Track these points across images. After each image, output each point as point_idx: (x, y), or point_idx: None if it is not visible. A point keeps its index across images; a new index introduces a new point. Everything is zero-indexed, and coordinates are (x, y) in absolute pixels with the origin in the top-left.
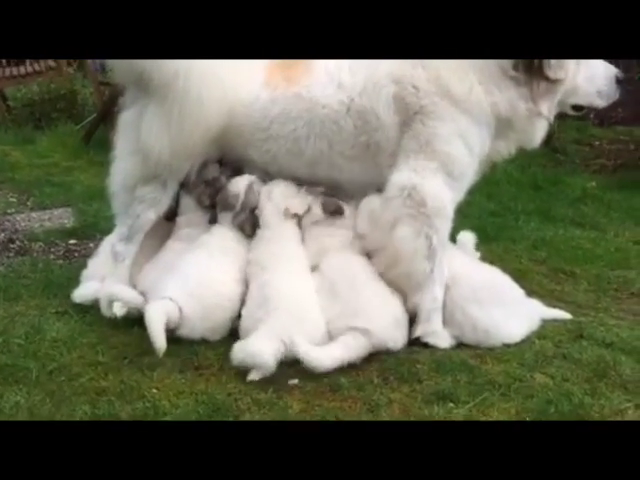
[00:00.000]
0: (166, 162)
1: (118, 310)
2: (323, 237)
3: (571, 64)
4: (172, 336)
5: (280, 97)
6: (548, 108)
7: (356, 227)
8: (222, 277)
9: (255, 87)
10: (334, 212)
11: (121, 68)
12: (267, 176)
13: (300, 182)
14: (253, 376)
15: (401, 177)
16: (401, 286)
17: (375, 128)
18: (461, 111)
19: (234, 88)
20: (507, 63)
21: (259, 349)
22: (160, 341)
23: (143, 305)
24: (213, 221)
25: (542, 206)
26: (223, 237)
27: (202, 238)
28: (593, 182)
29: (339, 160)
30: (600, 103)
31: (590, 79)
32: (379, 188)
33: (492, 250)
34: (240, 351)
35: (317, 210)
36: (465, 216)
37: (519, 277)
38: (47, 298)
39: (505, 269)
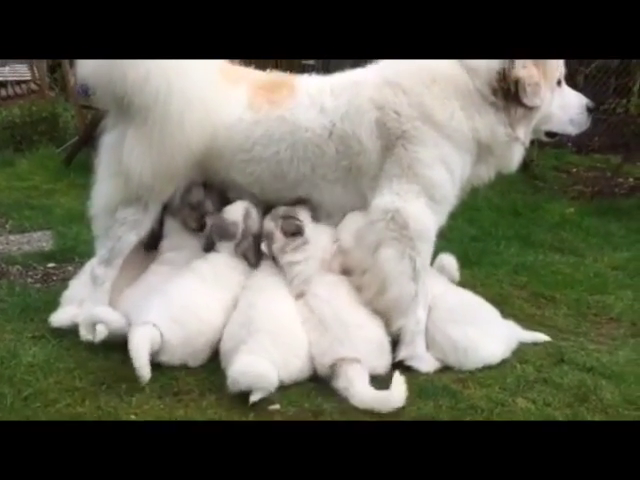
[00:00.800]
0: (148, 184)
1: (100, 333)
2: (299, 266)
3: (547, 93)
4: (152, 361)
5: (263, 119)
6: (524, 133)
7: (340, 242)
8: (210, 304)
9: (238, 109)
10: (294, 234)
11: (102, 90)
12: (251, 198)
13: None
14: (255, 397)
15: (384, 200)
16: (387, 310)
17: (357, 152)
18: (443, 136)
19: (216, 110)
20: (487, 89)
21: (265, 369)
22: (145, 371)
23: (126, 327)
24: (208, 250)
25: (522, 231)
26: (218, 264)
27: (194, 263)
28: (571, 208)
29: (321, 183)
30: (572, 130)
31: (563, 107)
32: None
33: (474, 275)
34: (243, 375)
35: (278, 235)
36: (447, 241)
37: (500, 302)
38: (24, 322)
39: (487, 293)
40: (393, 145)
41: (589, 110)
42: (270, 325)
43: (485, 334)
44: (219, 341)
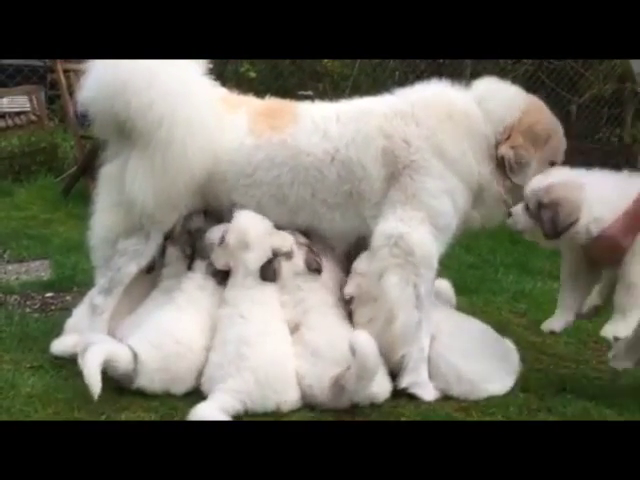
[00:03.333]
0: (150, 212)
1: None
2: (304, 292)
3: (537, 171)
4: (153, 392)
5: (265, 144)
6: (510, 198)
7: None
8: (185, 326)
9: (239, 135)
10: (314, 270)
11: (103, 116)
12: None
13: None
14: None
15: (388, 226)
16: (394, 339)
17: (360, 178)
18: (453, 171)
19: (218, 136)
20: (493, 140)
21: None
22: (95, 383)
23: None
24: (189, 269)
25: (520, 259)
26: (190, 286)
27: (173, 289)
28: None
29: (321, 208)
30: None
31: None
32: (358, 238)
33: (473, 302)
34: (194, 415)
35: (299, 262)
36: (445, 268)
37: (500, 329)
38: (22, 352)
39: (486, 321)
40: (399, 174)
41: None
42: (260, 364)
43: (495, 366)
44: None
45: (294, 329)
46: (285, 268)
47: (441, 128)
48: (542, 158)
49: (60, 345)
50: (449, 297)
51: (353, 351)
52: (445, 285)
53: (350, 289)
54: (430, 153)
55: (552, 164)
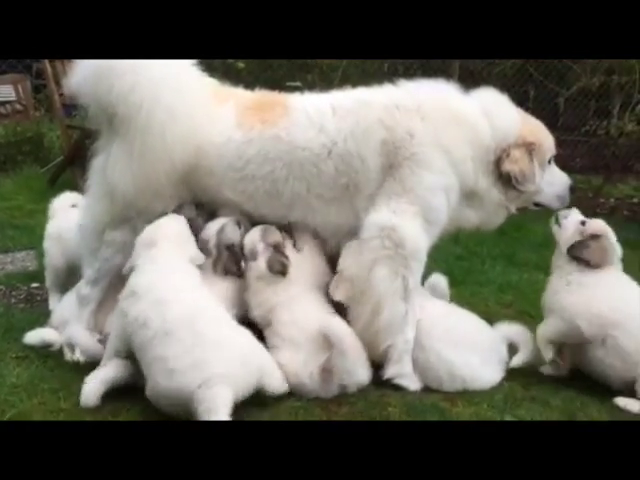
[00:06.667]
0: (131, 200)
1: (80, 355)
2: (266, 294)
3: (540, 174)
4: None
5: (256, 138)
6: (516, 206)
7: (343, 270)
8: None
9: (226, 128)
10: (277, 272)
11: (90, 101)
12: (244, 216)
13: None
14: None
15: (381, 217)
16: (379, 330)
17: (357, 170)
18: (453, 171)
19: (203, 127)
20: (494, 154)
21: None
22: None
23: (101, 353)
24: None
25: (507, 251)
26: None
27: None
28: None
29: (316, 203)
30: (556, 205)
31: (552, 184)
32: (350, 231)
33: (460, 293)
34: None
35: (262, 264)
36: (433, 260)
37: (486, 320)
38: (7, 342)
39: (473, 312)
40: (399, 164)
41: (572, 189)
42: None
43: (485, 360)
44: None
45: (266, 325)
46: (250, 271)
47: (448, 129)
48: (541, 162)
49: (33, 336)
50: (444, 291)
51: (328, 338)
52: (440, 280)
53: (339, 296)
54: (433, 148)
55: (550, 160)
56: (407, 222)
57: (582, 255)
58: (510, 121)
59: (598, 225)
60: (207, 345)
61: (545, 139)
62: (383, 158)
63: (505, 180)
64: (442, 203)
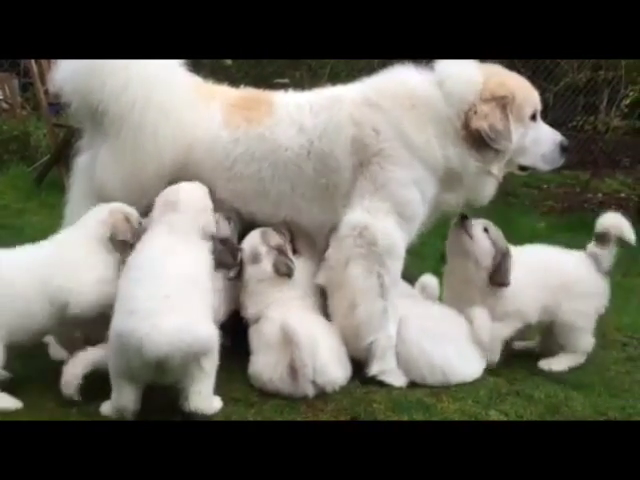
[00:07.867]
0: (118, 199)
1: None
2: (263, 295)
3: (518, 130)
4: None
5: (243, 137)
6: (498, 168)
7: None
8: None
9: (213, 126)
10: (283, 274)
11: (78, 99)
12: (234, 212)
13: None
14: None
15: (354, 217)
16: (358, 326)
17: (333, 170)
18: (418, 160)
19: (191, 125)
20: (458, 121)
21: None
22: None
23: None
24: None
25: None
26: None
27: None
28: (542, 223)
29: (300, 202)
30: (543, 166)
31: (537, 142)
32: (334, 228)
33: None
34: None
35: (267, 266)
36: (421, 258)
37: None
38: None
39: None
40: (369, 162)
41: (563, 148)
42: None
43: (465, 352)
44: None
45: (254, 321)
46: (250, 271)
47: (405, 117)
48: (518, 117)
49: None
50: (434, 292)
51: (286, 337)
52: (431, 280)
53: (320, 279)
54: (397, 141)
55: (533, 117)
56: (379, 220)
57: (505, 282)
58: (464, 80)
59: (500, 235)
60: None
61: (522, 92)
62: (354, 157)
63: (478, 140)
64: (415, 197)
